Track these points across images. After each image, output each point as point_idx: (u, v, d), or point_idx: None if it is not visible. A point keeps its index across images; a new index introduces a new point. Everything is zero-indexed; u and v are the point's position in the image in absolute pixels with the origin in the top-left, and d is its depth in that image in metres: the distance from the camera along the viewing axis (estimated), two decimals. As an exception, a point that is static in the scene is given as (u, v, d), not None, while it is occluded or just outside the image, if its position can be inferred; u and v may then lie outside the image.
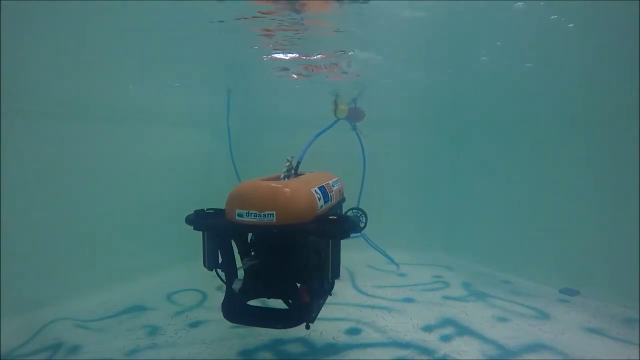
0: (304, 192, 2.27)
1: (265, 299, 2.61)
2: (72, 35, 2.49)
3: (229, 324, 3.12)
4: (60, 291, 3.40)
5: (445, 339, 2.98)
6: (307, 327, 2.29)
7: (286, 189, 2.17)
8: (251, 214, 2.06)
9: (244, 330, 3.06)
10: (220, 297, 3.67)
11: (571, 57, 2.87)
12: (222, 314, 2.35)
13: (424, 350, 2.82)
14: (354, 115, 4.25)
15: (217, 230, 2.27)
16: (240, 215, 2.08)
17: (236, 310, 2.38)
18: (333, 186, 2.64)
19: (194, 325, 3.17)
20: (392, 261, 4.60)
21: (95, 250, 3.69)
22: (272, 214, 2.05)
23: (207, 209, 2.43)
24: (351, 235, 2.32)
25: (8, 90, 2.87)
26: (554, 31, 2.46)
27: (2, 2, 1.91)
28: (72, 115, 3.46)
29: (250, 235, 2.42)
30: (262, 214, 2.05)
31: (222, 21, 2.28)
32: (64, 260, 3.46)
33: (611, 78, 3.21)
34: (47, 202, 3.34)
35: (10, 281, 3.06)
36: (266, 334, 3.00)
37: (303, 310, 2.27)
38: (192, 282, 4.04)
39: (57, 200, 3.41)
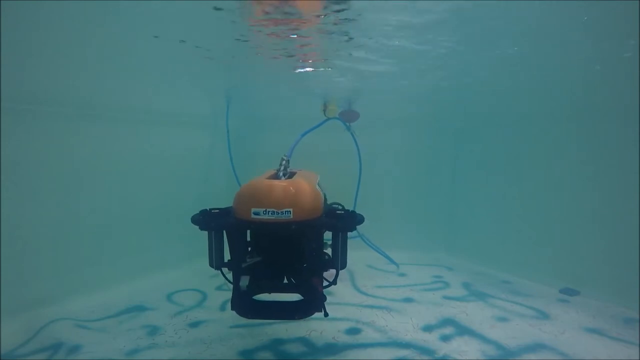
0: (312, 189, 2.38)
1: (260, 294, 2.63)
2: (73, 35, 2.48)
3: (229, 323, 3.17)
4: (60, 291, 3.40)
5: (445, 339, 2.98)
6: (326, 315, 2.43)
7: (300, 187, 2.28)
8: (269, 211, 2.15)
9: (244, 330, 3.07)
10: (220, 297, 3.74)
11: (571, 55, 2.85)
12: (234, 311, 2.40)
13: (424, 350, 2.82)
14: (348, 116, 4.27)
15: (230, 229, 2.32)
16: (256, 213, 2.16)
17: (249, 306, 2.44)
18: (321, 183, 2.79)
19: (194, 325, 3.17)
20: (392, 261, 4.60)
21: (95, 250, 3.69)
22: (290, 211, 2.15)
23: (211, 209, 2.47)
24: (349, 235, 2.44)
25: (8, 90, 2.88)
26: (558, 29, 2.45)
27: (2, 1, 1.91)
28: (71, 115, 3.46)
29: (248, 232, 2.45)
30: (280, 211, 2.15)
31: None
32: (64, 260, 3.47)
33: (611, 76, 3.21)
34: (47, 202, 3.34)
35: (10, 281, 3.06)
36: (266, 334, 3.01)
37: (318, 300, 2.39)
38: (192, 282, 4.04)
39: (57, 200, 3.41)
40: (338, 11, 2.11)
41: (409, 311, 3.45)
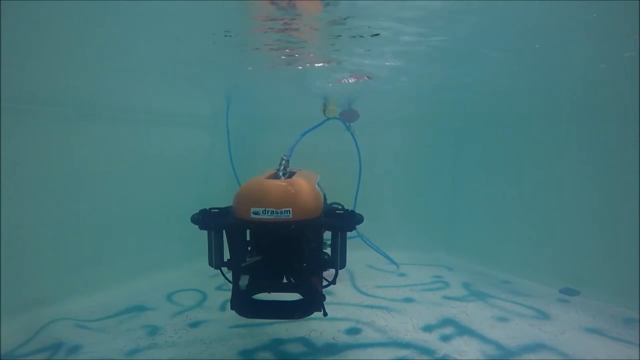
0: (312, 189, 2.39)
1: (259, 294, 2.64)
2: (73, 35, 2.48)
3: (229, 323, 3.17)
4: (60, 291, 3.40)
5: (445, 339, 2.98)
6: (325, 315, 2.44)
7: (299, 187, 2.29)
8: (268, 211, 2.16)
9: (244, 330, 3.07)
10: (220, 297, 3.74)
11: (571, 54, 2.85)
12: (234, 311, 2.42)
13: (424, 350, 2.82)
14: (348, 116, 4.28)
15: (230, 228, 2.34)
16: (256, 213, 2.17)
17: (248, 306, 2.45)
18: (321, 182, 2.80)
19: (194, 325, 3.17)
20: (392, 261, 4.60)
21: (95, 250, 3.69)
22: (289, 211, 2.17)
23: (211, 208, 2.48)
24: (349, 235, 2.47)
25: (8, 90, 2.88)
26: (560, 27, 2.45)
27: (2, 1, 1.91)
28: (71, 115, 3.46)
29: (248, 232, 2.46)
30: (279, 211, 2.16)
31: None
32: (64, 260, 3.47)
33: (611, 76, 3.21)
34: (47, 202, 3.34)
35: (10, 281, 3.06)
36: (266, 334, 3.01)
37: (317, 299, 2.40)
38: (192, 282, 4.04)
39: (57, 200, 3.41)
40: (338, 23, 2.13)
41: (409, 311, 3.45)
